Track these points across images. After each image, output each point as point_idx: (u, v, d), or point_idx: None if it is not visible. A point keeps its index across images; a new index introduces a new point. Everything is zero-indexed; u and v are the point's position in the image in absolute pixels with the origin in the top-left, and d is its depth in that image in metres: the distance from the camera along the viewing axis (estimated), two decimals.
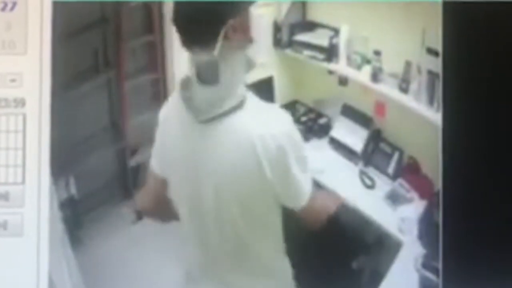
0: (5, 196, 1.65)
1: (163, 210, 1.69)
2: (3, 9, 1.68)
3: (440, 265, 1.70)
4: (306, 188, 1.59)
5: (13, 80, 1.68)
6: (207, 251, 1.63)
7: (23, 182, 1.66)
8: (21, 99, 1.67)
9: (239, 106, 1.50)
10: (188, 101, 1.53)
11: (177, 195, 1.63)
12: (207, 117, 1.50)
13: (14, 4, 1.69)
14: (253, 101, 1.54)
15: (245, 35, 1.52)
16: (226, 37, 1.48)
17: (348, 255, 1.90)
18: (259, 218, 1.59)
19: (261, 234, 1.61)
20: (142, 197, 1.80)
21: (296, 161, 1.54)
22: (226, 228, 1.57)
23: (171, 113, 1.61)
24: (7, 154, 1.66)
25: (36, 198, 1.66)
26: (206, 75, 1.50)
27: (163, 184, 1.66)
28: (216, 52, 1.46)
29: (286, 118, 1.57)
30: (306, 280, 1.80)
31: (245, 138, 1.49)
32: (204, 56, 1.48)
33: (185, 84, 1.55)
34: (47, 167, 1.68)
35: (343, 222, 1.91)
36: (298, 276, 1.76)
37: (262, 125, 1.50)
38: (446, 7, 1.73)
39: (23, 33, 1.68)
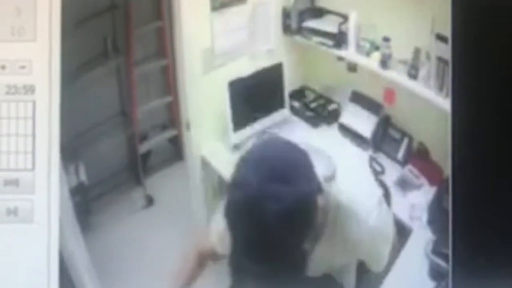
0: (15, 183, 1.66)
1: None
2: None
3: (449, 252, 1.70)
4: None
5: (22, 67, 1.68)
6: None
7: (33, 168, 1.67)
8: (31, 86, 1.68)
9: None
10: None
11: None
12: None
13: None
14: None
15: None
16: None
17: None
18: None
19: None
20: None
21: None
22: None
23: None
24: (17, 140, 1.66)
25: (46, 184, 1.67)
26: None
27: None
28: None
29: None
30: None
31: None
32: None
33: None
34: (57, 154, 1.68)
35: None
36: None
37: None
38: None
39: (33, 19, 1.68)
